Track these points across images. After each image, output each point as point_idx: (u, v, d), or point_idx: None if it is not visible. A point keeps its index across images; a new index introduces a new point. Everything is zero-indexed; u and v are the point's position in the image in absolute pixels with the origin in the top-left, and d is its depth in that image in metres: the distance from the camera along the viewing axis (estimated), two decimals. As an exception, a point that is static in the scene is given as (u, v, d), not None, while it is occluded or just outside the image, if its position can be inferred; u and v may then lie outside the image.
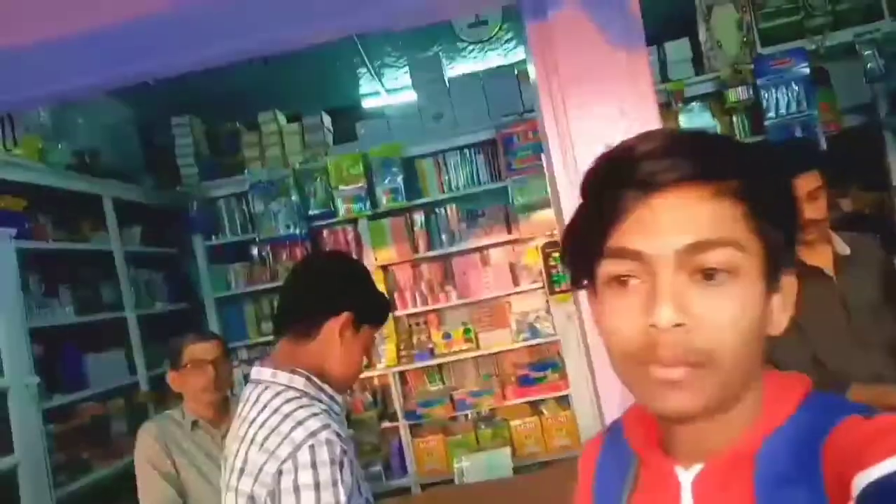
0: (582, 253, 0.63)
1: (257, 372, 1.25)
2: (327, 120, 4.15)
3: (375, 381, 4.02)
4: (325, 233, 4.03)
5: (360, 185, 3.87)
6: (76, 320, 2.97)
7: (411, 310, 3.96)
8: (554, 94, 1.23)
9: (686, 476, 0.62)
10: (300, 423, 1.11)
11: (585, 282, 0.64)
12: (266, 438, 1.11)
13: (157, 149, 4.06)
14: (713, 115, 3.59)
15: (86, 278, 3.18)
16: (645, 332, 0.57)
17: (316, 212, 3.95)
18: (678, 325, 0.55)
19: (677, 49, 3.62)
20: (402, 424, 3.86)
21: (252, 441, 1.14)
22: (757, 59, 3.46)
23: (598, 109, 1.19)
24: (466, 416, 3.98)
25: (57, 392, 2.72)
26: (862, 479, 0.50)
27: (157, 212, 3.84)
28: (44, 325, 2.71)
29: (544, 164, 1.86)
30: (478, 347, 3.91)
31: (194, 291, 4.02)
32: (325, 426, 1.11)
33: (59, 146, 2.86)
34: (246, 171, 3.96)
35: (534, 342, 3.84)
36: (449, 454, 3.77)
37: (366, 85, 4.82)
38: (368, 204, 3.86)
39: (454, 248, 3.97)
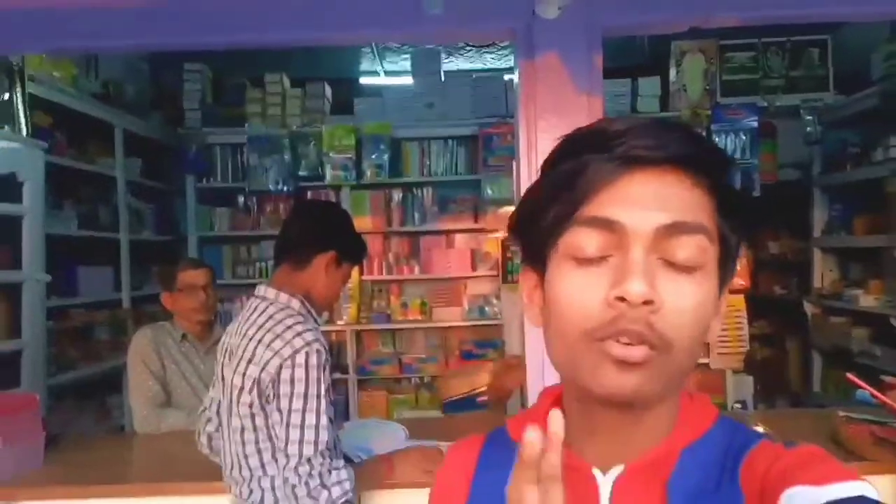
0: (542, 223, 0.60)
1: (263, 290, 1.60)
2: (328, 90, 4.49)
3: (333, 336, 4.39)
4: (309, 194, 4.37)
5: (349, 155, 4.23)
6: (76, 233, 3.28)
7: (377, 276, 4.35)
8: (529, 117, 1.64)
9: (605, 479, 0.61)
10: (299, 334, 1.47)
11: (535, 256, 0.62)
12: (272, 341, 1.47)
13: (165, 88, 4.33)
14: (670, 148, 4.05)
15: (88, 197, 3.47)
16: (610, 305, 0.55)
17: (305, 173, 4.29)
18: (647, 301, 0.54)
19: (648, 85, 4.08)
20: (352, 377, 4.26)
21: (259, 341, 1.49)
22: (715, 107, 3.93)
23: (560, 134, 1.61)
24: (410, 379, 4.40)
25: (53, 295, 3.03)
26: (800, 496, 0.51)
27: (157, 147, 4.13)
28: (50, 232, 3.01)
29: (514, 170, 2.26)
30: (430, 319, 4.32)
31: (179, 226, 4.33)
32: (317, 339, 1.48)
33: (90, 76, 3.15)
34: (246, 124, 4.28)
35: (481, 322, 4.27)
36: (390, 409, 4.19)
37: (366, 63, 5.15)
38: (354, 174, 4.23)
39: (424, 228, 4.37)
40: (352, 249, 1.70)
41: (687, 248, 0.56)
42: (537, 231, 0.61)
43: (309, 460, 1.41)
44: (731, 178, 0.61)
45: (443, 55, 4.63)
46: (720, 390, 3.82)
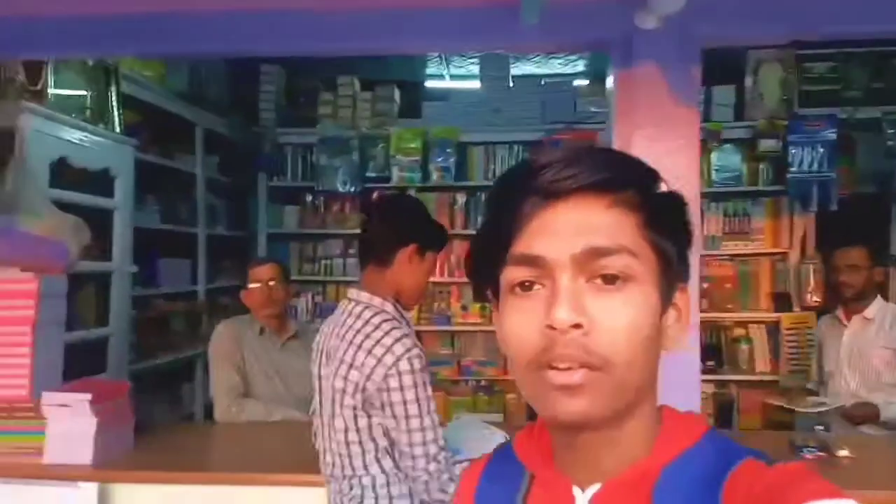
0: (486, 263, 0.64)
1: (356, 294, 1.62)
2: (397, 93, 4.55)
3: (394, 335, 4.44)
4: (375, 194, 4.43)
5: (416, 158, 4.28)
6: (159, 227, 3.41)
7: (438, 278, 4.37)
8: (624, 128, 1.64)
9: (583, 497, 0.63)
10: (398, 339, 1.49)
11: (489, 294, 0.65)
12: (373, 347, 1.48)
13: (243, 88, 4.46)
14: (743, 159, 3.97)
15: (170, 192, 3.61)
16: (543, 334, 0.57)
17: (372, 174, 4.35)
18: (575, 325, 0.56)
19: (723, 94, 4.00)
20: (411, 377, 4.30)
21: (360, 346, 1.50)
22: (792, 117, 3.83)
23: (656, 145, 1.61)
24: (468, 381, 4.42)
25: (137, 286, 3.16)
26: None
27: (232, 145, 4.27)
28: (136, 225, 3.14)
29: None
30: (489, 323, 4.33)
31: (250, 222, 4.46)
32: (415, 345, 1.51)
33: (177, 76, 3.29)
34: (318, 125, 4.37)
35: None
36: (448, 411, 4.22)
37: (433, 67, 5.20)
38: (420, 176, 4.27)
39: (487, 231, 4.37)
40: (431, 237, 1.68)
41: (609, 268, 0.58)
42: (485, 270, 0.64)
43: (436, 457, 1.47)
44: (656, 191, 0.62)
45: (510, 60, 4.64)
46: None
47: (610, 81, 1.75)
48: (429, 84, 5.21)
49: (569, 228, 0.59)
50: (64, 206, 2.30)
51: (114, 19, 1.91)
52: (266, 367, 2.60)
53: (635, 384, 0.59)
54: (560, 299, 0.57)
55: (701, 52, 1.66)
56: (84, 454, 1.91)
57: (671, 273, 0.62)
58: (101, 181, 2.69)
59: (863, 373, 2.66)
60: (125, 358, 2.87)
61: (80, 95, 2.65)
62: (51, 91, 2.41)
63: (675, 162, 1.55)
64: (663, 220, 0.61)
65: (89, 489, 1.85)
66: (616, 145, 1.66)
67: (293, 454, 1.92)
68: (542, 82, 4.43)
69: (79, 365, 2.57)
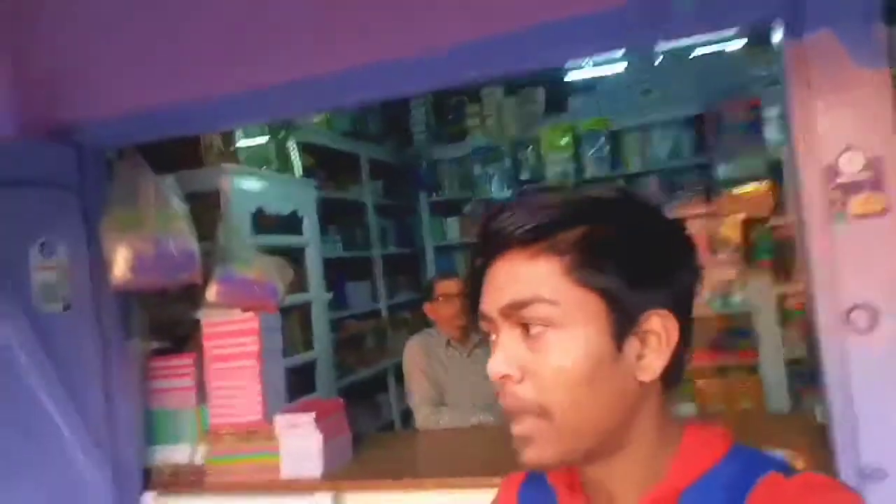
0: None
1: None
2: (541, 94, 4.57)
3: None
4: (533, 195, 4.49)
5: (567, 153, 4.28)
6: (341, 254, 3.72)
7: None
8: (803, 101, 1.56)
9: None
10: None
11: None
12: None
13: (395, 115, 4.72)
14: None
15: (346, 222, 3.92)
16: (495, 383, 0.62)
17: (526, 176, 4.42)
18: (504, 377, 0.60)
19: (906, 31, 3.58)
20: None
21: None
22: None
23: (839, 114, 1.52)
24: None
25: (330, 310, 3.46)
26: None
27: (392, 169, 4.53)
28: (324, 256, 3.44)
29: (785, 152, 2.20)
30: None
31: (415, 238, 4.70)
32: None
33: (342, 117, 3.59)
34: (468, 137, 4.52)
35: (725, 311, 4.06)
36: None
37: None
38: (574, 170, 4.26)
39: (652, 217, 4.26)
40: None
41: (527, 318, 0.60)
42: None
43: None
44: (601, 226, 0.61)
45: (654, 37, 4.47)
46: None
47: (779, 48, 1.67)
48: (571, 77, 5.16)
49: (499, 283, 0.62)
50: (265, 250, 2.59)
51: (288, 86, 2.06)
52: (455, 376, 2.74)
53: (587, 426, 0.59)
54: (493, 351, 0.62)
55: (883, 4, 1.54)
56: (315, 467, 2.14)
57: (625, 305, 0.60)
58: (291, 222, 2.99)
59: None
60: (332, 376, 3.16)
61: (262, 146, 2.96)
62: (239, 144, 2.73)
63: (863, 131, 1.45)
64: (594, 258, 0.60)
65: (325, 499, 2.07)
66: (794, 118, 1.58)
67: (501, 458, 2.01)
68: (694, 54, 4.21)
69: (294, 387, 2.88)
